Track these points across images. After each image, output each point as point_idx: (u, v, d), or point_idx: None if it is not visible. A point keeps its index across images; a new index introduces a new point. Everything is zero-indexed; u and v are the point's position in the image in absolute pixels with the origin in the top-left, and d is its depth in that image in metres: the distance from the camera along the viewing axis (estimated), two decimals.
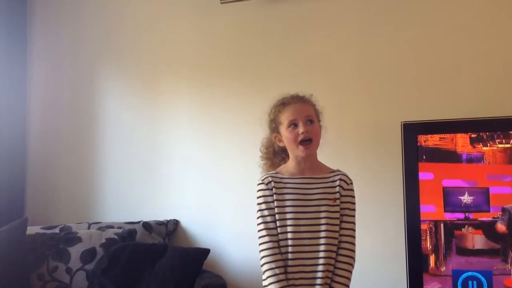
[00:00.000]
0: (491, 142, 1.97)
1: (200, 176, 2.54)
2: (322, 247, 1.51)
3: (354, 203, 1.59)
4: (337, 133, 2.30)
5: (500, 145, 1.96)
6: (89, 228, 2.42)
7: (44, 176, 2.78)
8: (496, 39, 2.16)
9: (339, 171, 1.63)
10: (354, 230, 1.57)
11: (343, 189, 1.57)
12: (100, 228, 2.38)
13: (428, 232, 1.99)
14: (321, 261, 1.50)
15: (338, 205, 1.56)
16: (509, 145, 1.95)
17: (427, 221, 1.99)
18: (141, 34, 2.71)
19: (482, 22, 2.19)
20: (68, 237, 2.27)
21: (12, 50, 2.73)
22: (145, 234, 2.39)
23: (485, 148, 1.97)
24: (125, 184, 2.66)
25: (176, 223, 2.55)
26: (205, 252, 2.18)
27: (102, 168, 2.71)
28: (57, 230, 2.38)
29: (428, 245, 1.99)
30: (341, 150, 2.28)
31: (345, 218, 1.56)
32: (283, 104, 1.63)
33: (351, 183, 1.61)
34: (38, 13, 2.89)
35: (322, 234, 1.51)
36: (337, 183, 1.58)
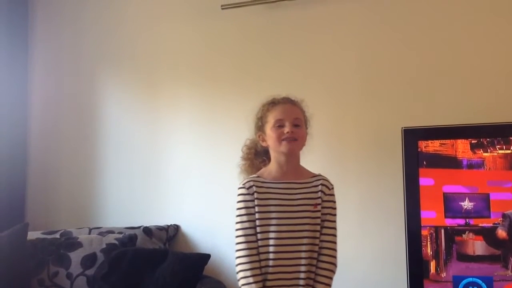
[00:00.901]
0: (491, 148, 1.97)
1: (201, 181, 2.54)
2: (303, 254, 1.49)
3: (335, 208, 1.58)
4: (338, 138, 2.30)
5: (500, 151, 1.96)
6: (89, 233, 2.43)
7: (44, 181, 2.78)
8: (498, 44, 2.16)
9: (321, 175, 1.61)
10: (335, 235, 1.56)
11: (325, 194, 1.56)
12: (100, 233, 2.38)
13: (428, 238, 1.99)
14: (302, 268, 1.49)
15: (319, 211, 1.54)
16: (509, 151, 1.95)
17: (428, 227, 1.99)
18: (142, 39, 2.71)
19: (483, 27, 2.19)
20: (69, 242, 2.27)
21: (13, 52, 2.73)
22: (145, 239, 2.38)
23: (485, 154, 1.97)
24: (125, 189, 2.66)
25: (176, 228, 2.54)
26: (206, 257, 2.18)
27: (102, 173, 2.71)
28: (57, 235, 2.38)
29: (429, 251, 1.99)
30: (342, 155, 2.28)
31: (326, 224, 1.54)
32: (272, 103, 1.62)
33: (333, 188, 1.59)
34: (39, 15, 2.90)
35: (304, 240, 1.50)
36: (319, 188, 1.57)
